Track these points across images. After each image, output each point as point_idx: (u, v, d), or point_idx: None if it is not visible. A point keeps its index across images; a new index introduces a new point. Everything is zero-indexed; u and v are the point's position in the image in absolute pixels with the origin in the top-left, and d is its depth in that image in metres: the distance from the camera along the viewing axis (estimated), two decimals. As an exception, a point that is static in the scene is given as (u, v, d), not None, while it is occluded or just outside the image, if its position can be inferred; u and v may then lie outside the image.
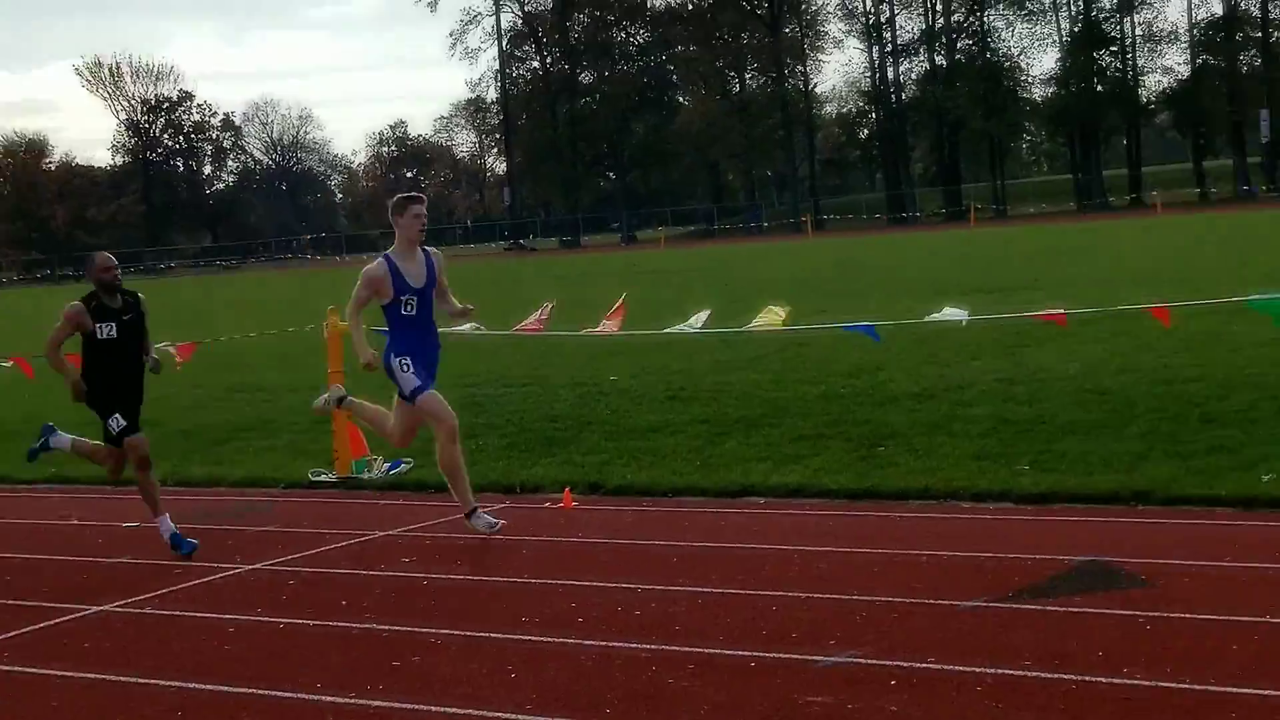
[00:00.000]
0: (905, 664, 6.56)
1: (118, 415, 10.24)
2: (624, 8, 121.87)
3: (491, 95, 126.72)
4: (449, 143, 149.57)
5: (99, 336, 10.19)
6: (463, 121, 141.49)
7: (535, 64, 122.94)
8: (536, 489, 11.70)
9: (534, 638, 7.48)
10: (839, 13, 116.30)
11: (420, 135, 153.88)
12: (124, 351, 10.33)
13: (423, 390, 9.95)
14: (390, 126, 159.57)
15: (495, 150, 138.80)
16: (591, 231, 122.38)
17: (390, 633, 7.80)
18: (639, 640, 7.27)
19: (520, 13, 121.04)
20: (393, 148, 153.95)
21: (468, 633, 7.66)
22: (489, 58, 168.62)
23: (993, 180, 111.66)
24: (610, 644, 7.25)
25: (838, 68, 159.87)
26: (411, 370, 9.95)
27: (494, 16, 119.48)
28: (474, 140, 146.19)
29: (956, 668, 6.46)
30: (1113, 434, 11.92)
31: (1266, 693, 5.85)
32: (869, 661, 6.65)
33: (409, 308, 9.98)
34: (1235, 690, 5.90)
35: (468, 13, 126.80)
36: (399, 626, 7.90)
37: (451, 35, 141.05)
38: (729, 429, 13.76)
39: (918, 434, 12.65)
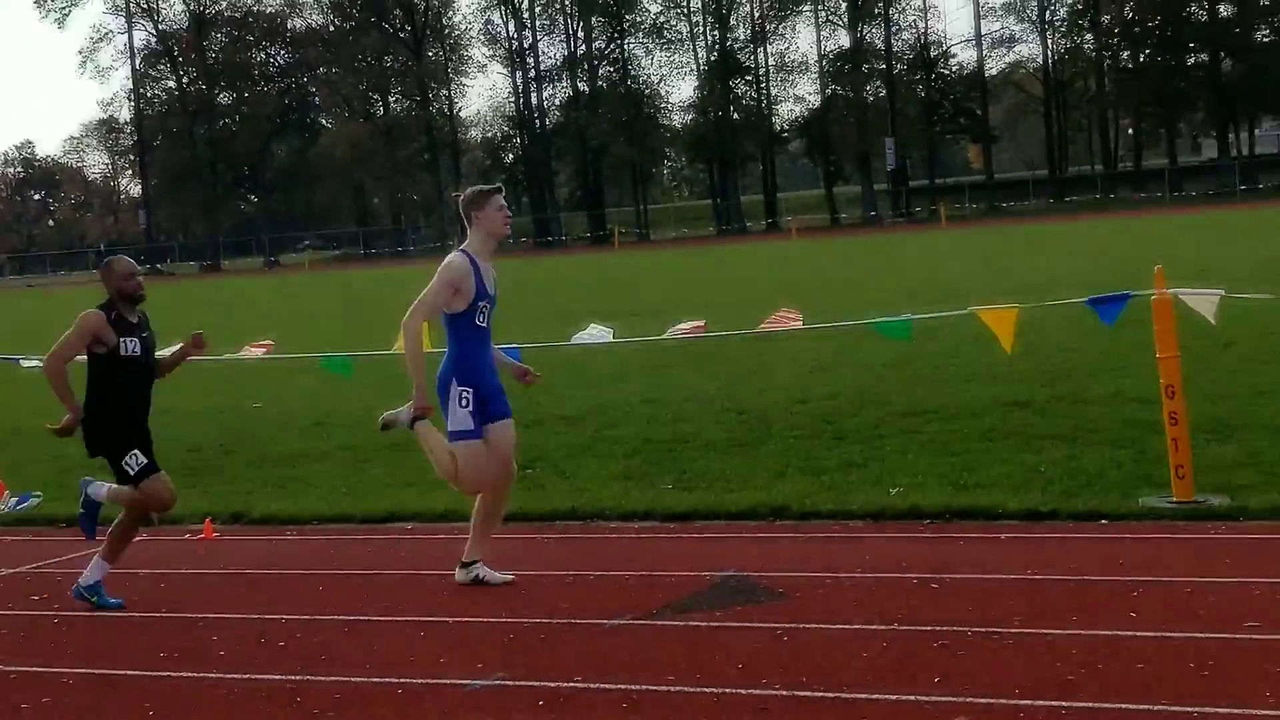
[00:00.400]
0: (553, 684, 6.61)
1: (136, 452, 8.58)
2: (263, 28, 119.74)
3: (125, 115, 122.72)
4: (80, 164, 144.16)
5: (122, 353, 8.52)
6: (94, 142, 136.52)
7: (171, 83, 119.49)
8: (176, 520, 11.35)
9: (173, 673, 7.26)
10: (482, 38, 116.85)
11: (49, 156, 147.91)
12: (143, 375, 8.74)
13: (471, 438, 8.45)
14: (16, 147, 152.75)
15: (130, 172, 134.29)
16: (233, 255, 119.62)
17: (18, 674, 7.45)
18: (284, 672, 7.13)
19: (154, 30, 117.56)
20: (19, 169, 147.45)
21: (102, 671, 7.39)
22: (122, 76, 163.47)
23: (636, 205, 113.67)
24: (253, 676, 7.09)
25: (482, 92, 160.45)
26: (470, 407, 8.45)
27: (126, 34, 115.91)
28: (106, 162, 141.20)
29: (603, 685, 6.55)
30: (751, 452, 12.29)
31: (896, 697, 6.11)
32: (517, 683, 6.68)
33: (483, 318, 8.57)
34: (866, 696, 6.15)
35: (98, 30, 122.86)
36: (28, 667, 7.56)
37: (81, 53, 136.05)
38: (375, 455, 13.65)
39: (565, 456, 12.79)
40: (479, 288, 8.46)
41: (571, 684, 6.60)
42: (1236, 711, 5.67)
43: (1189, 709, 5.71)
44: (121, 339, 8.53)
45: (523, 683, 6.68)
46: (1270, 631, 6.61)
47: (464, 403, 8.43)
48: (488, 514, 8.67)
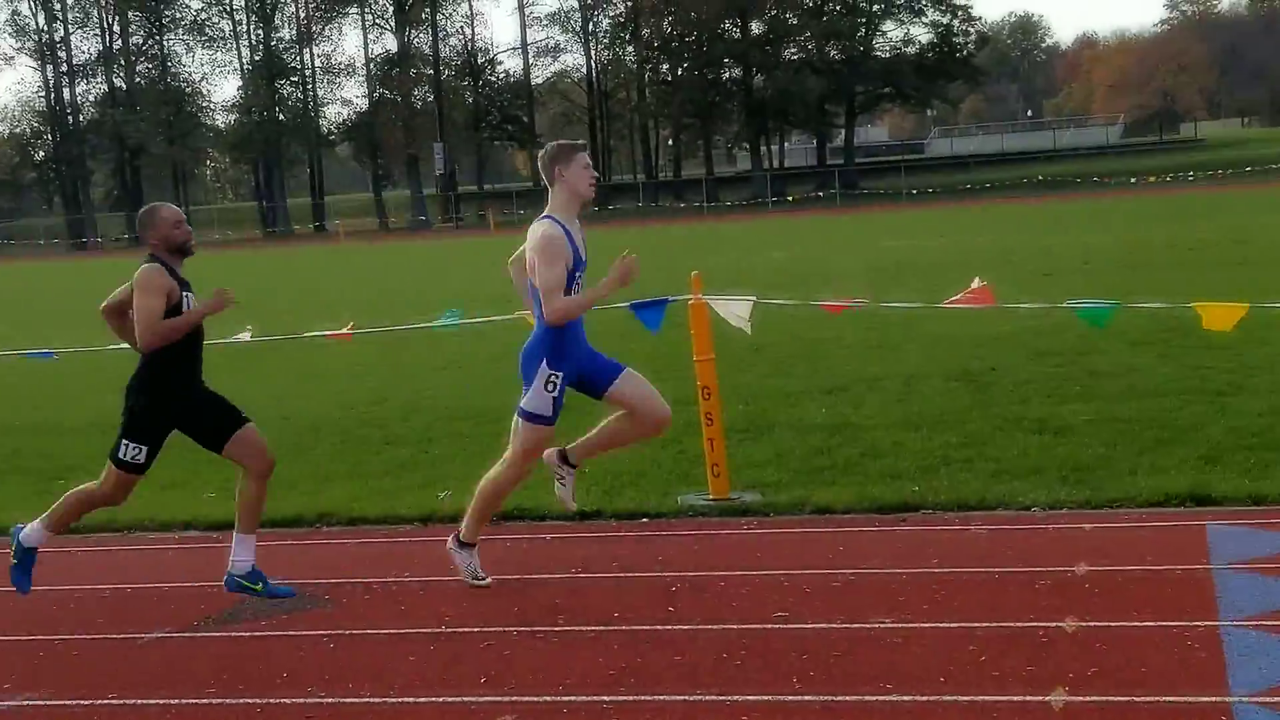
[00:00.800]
0: (86, 702, 6.36)
1: (144, 449, 7.79)
2: None
3: None
4: None
5: (185, 309, 7.61)
6: None
7: None
8: None
9: None
10: (8, 29, 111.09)
11: None
12: (197, 338, 7.83)
13: (543, 425, 7.75)
14: None
15: None
16: None
17: None
18: None
19: None
20: None
21: None
22: None
23: (177, 206, 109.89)
24: None
25: (10, 86, 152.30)
26: (555, 394, 7.71)
27: None
28: None
29: (139, 701, 6.33)
30: (298, 458, 12.10)
31: (444, 699, 6.14)
32: (47, 703, 6.39)
33: (577, 287, 7.75)
34: (414, 699, 6.15)
35: None
36: None
37: None
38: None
39: (100, 465, 12.26)
40: (575, 257, 7.69)
41: (106, 701, 6.35)
42: (767, 698, 5.94)
43: (724, 698, 5.95)
44: (184, 295, 7.63)
45: (53, 702, 6.39)
46: (796, 621, 6.95)
47: (550, 388, 7.71)
48: (500, 492, 8.01)
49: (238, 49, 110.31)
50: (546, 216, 7.71)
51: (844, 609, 7.11)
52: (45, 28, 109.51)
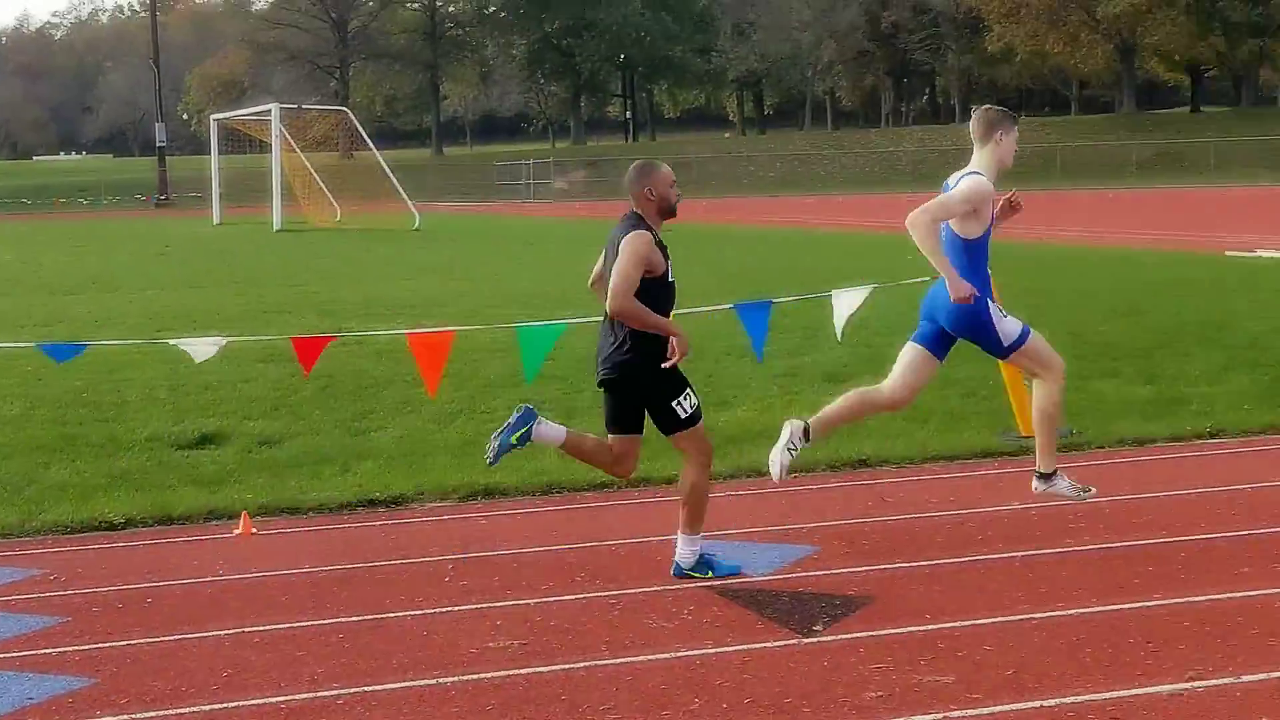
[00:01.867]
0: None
1: (690, 392, 7.01)
2: None
3: None
4: None
5: (669, 279, 6.98)
6: None
7: None
8: None
9: None
10: None
11: None
12: (672, 302, 7.12)
13: (1029, 334, 7.69)
14: None
15: None
16: None
17: None
18: None
19: None
20: None
21: None
22: None
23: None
24: None
25: None
26: (1007, 315, 7.67)
27: None
28: None
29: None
30: None
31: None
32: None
33: (989, 243, 7.74)
34: None
35: None
36: None
37: None
38: None
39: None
40: (990, 214, 7.67)
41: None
42: None
43: None
44: (668, 263, 6.98)
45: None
46: None
47: (1004, 312, 7.67)
48: (1055, 409, 7.83)
49: None
50: (972, 171, 7.57)
51: None
52: None
